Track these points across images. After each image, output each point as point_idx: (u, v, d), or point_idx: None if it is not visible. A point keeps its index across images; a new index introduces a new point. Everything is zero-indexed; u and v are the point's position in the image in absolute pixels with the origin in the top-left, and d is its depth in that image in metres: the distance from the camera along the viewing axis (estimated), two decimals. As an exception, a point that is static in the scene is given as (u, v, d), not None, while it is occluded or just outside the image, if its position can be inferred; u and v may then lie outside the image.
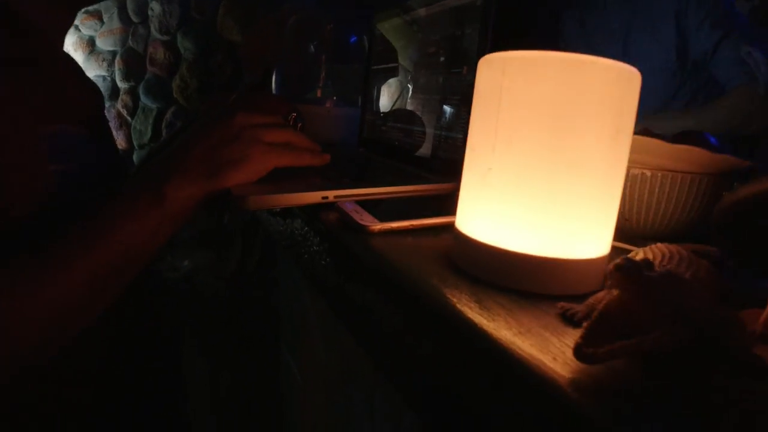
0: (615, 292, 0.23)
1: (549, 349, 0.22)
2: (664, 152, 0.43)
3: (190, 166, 0.44)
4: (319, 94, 1.11)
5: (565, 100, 0.27)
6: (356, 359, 0.79)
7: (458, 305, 0.27)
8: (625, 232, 0.48)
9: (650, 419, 0.19)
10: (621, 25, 1.28)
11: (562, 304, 0.27)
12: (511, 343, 0.22)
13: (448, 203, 0.51)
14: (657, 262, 0.27)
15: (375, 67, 0.82)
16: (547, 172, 0.27)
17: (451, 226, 0.35)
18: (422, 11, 0.67)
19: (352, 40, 1.09)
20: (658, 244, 0.31)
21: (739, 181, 0.52)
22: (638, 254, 0.31)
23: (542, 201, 0.28)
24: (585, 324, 0.21)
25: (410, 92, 0.70)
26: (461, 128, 0.56)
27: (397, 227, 0.39)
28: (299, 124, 0.78)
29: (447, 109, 0.59)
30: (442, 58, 0.61)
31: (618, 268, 0.21)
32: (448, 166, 0.57)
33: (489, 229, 0.30)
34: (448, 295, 0.28)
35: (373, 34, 0.84)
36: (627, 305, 0.21)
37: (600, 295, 0.26)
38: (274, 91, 1.11)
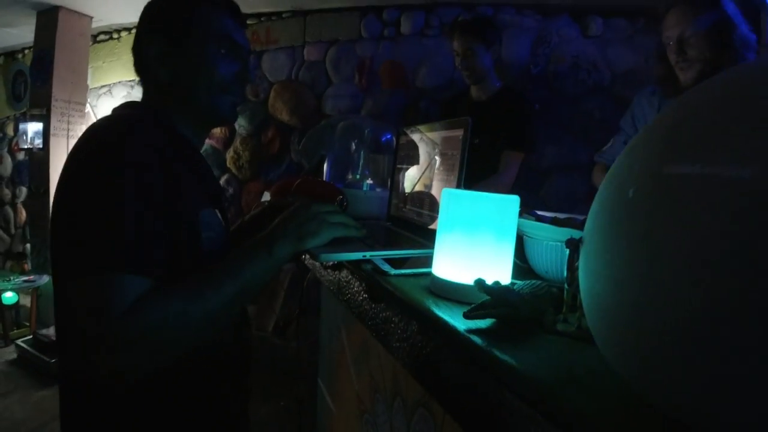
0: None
1: (459, 320, 0.53)
2: (558, 231, 0.73)
3: (288, 234, 0.77)
4: (357, 177, 1.45)
5: (476, 213, 0.58)
6: (380, 374, 1.07)
7: (427, 305, 0.58)
8: (545, 280, 0.78)
9: (496, 343, 0.49)
10: None
11: (473, 305, 0.57)
12: (444, 318, 0.53)
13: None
14: (520, 285, 0.57)
15: (399, 165, 1.16)
16: (469, 247, 0.58)
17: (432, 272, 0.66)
18: (428, 135, 1.01)
19: (384, 139, 1.45)
20: (536, 281, 0.61)
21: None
22: (517, 284, 0.61)
23: (467, 260, 0.59)
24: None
25: (419, 185, 1.02)
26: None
27: (404, 273, 0.70)
28: (345, 204, 1.12)
29: (443, 201, 0.91)
30: (439, 167, 0.94)
31: (474, 282, 0.52)
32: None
33: (445, 271, 0.61)
34: (425, 302, 0.59)
35: (398, 141, 1.18)
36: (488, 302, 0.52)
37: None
38: (326, 174, 1.46)
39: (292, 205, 0.85)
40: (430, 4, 3.06)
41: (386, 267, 0.71)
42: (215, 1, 0.86)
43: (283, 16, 3.30)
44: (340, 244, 0.82)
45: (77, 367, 0.77)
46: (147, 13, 0.87)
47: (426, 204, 0.99)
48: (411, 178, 1.09)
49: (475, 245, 0.59)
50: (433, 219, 0.95)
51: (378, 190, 1.40)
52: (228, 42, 0.86)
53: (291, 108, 3.30)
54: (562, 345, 0.50)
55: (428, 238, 0.92)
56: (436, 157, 0.97)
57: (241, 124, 3.46)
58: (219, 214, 0.88)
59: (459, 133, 0.88)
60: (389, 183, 1.23)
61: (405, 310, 0.63)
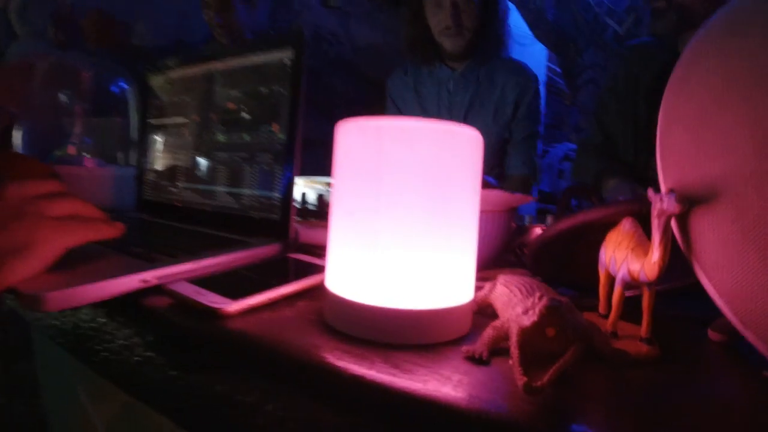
0: (506, 327, 0.27)
1: (499, 391, 0.23)
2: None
3: None
4: (73, 151, 0.94)
5: (439, 162, 0.28)
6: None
7: (370, 372, 0.25)
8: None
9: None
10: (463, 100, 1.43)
11: (465, 348, 0.29)
12: (455, 399, 0.22)
13: (276, 266, 0.49)
14: (527, 292, 0.30)
15: (152, 121, 0.74)
16: (429, 227, 0.28)
17: (315, 290, 0.33)
18: (217, 65, 0.64)
19: (114, 89, 0.97)
20: (501, 278, 0.35)
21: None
22: (492, 288, 0.35)
23: (427, 255, 0.29)
24: (514, 364, 0.23)
25: (204, 149, 0.65)
26: (278, 188, 0.55)
27: (257, 303, 0.35)
28: (62, 189, 0.65)
29: (259, 168, 0.57)
30: (245, 115, 0.59)
31: (550, 307, 0.25)
32: (266, 226, 0.55)
33: (377, 291, 0.29)
34: (356, 366, 0.26)
35: (147, 85, 0.76)
36: (547, 334, 0.25)
37: (488, 332, 0.29)
38: (19, 148, 0.91)
39: None
40: (146, -57, 2.45)
41: (213, 298, 0.34)
42: None
43: None
44: (78, 261, 0.40)
45: None
46: None
47: (220, 176, 0.62)
48: (180, 140, 0.70)
49: (440, 224, 0.28)
50: (241, 197, 0.59)
51: (114, 167, 0.93)
52: None
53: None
54: (646, 374, 0.27)
55: (232, 229, 0.56)
56: (229, 102, 0.61)
57: None
58: None
59: (282, 56, 0.54)
60: (133, 153, 0.80)
61: (286, 380, 0.29)
